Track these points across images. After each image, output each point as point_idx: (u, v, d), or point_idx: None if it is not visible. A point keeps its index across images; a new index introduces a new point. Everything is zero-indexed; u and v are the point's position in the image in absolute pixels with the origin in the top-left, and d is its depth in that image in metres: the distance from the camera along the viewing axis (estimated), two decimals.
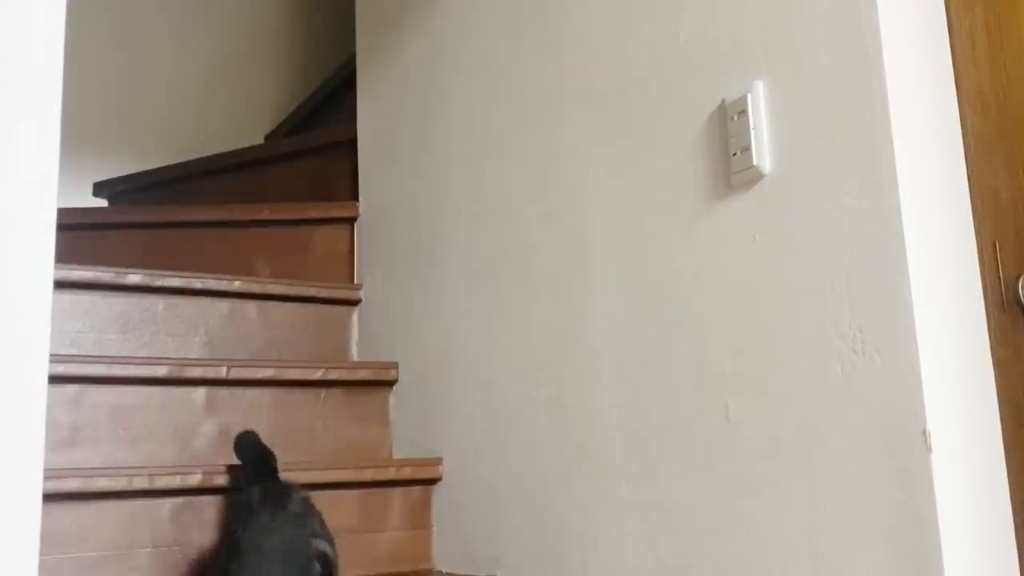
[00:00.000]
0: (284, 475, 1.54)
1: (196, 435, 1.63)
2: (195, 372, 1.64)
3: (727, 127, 1.19)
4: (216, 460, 1.62)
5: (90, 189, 2.56)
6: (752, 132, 1.15)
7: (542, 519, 1.45)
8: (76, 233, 2.01)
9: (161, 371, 1.61)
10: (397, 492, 1.67)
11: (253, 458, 1.38)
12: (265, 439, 1.49)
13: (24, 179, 0.72)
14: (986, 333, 1.04)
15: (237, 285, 1.86)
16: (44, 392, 0.71)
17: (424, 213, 1.82)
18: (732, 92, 1.19)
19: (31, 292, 0.71)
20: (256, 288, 1.88)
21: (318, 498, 1.41)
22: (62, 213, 0.75)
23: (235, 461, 1.48)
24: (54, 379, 1.43)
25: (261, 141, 2.91)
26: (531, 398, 1.49)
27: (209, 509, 1.50)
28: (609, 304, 1.37)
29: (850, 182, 1.05)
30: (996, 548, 0.99)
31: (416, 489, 1.69)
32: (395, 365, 1.83)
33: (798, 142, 1.12)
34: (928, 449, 0.95)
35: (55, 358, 1.35)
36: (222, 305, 1.86)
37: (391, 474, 1.67)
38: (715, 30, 1.23)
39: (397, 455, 1.80)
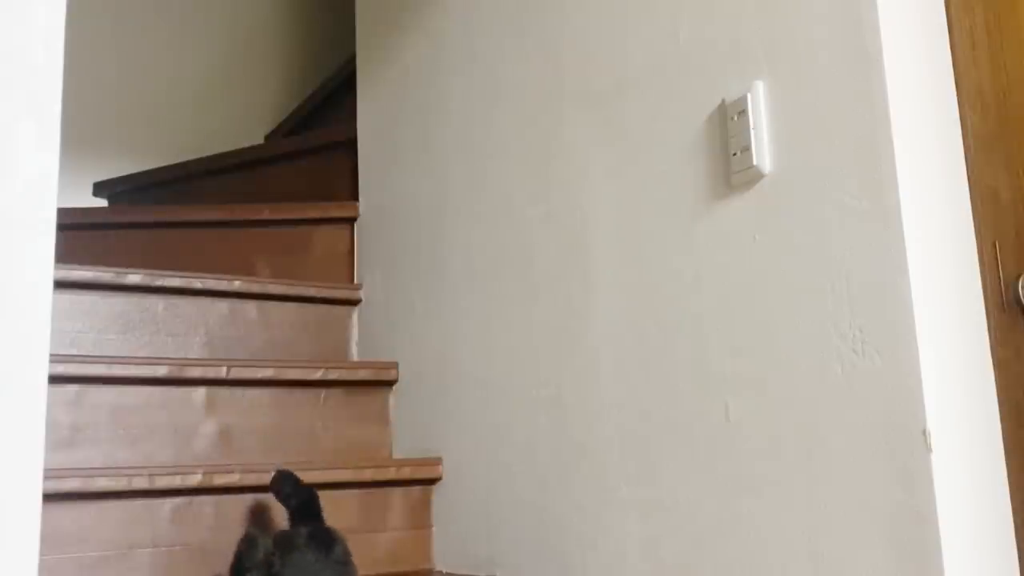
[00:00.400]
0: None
1: (196, 435, 1.63)
2: (195, 372, 1.64)
3: (727, 127, 1.19)
4: (216, 460, 1.62)
5: (90, 189, 2.56)
6: (752, 132, 1.15)
7: (542, 519, 1.45)
8: (76, 233, 2.01)
9: (161, 371, 1.61)
10: (397, 492, 1.67)
11: (298, 500, 1.39)
12: (265, 439, 1.49)
13: (24, 179, 0.72)
14: (986, 333, 1.04)
15: (237, 285, 1.86)
16: (44, 392, 0.71)
17: (424, 213, 1.82)
18: (732, 92, 1.19)
19: (31, 292, 0.71)
20: (256, 288, 1.88)
21: None
22: (62, 213, 0.75)
23: (235, 460, 1.48)
24: (54, 379, 1.43)
25: (261, 141, 2.91)
26: (530, 398, 1.49)
27: (209, 509, 1.50)
28: (608, 304, 1.37)
29: (850, 182, 1.05)
30: (996, 548, 0.99)
31: (416, 489, 1.69)
32: (395, 365, 1.83)
33: (798, 142, 1.12)
34: (928, 449, 0.95)
35: (55, 358, 1.35)
36: (222, 305, 1.86)
37: (391, 474, 1.67)
38: (714, 30, 1.23)
39: (397, 455, 1.80)
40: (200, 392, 1.65)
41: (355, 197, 2.08)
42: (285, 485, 1.41)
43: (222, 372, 1.66)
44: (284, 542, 1.31)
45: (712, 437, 1.19)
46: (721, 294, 1.20)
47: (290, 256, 2.06)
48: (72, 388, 1.55)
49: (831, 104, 1.08)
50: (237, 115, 2.96)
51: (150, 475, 1.46)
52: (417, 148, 1.87)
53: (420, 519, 1.68)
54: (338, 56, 2.80)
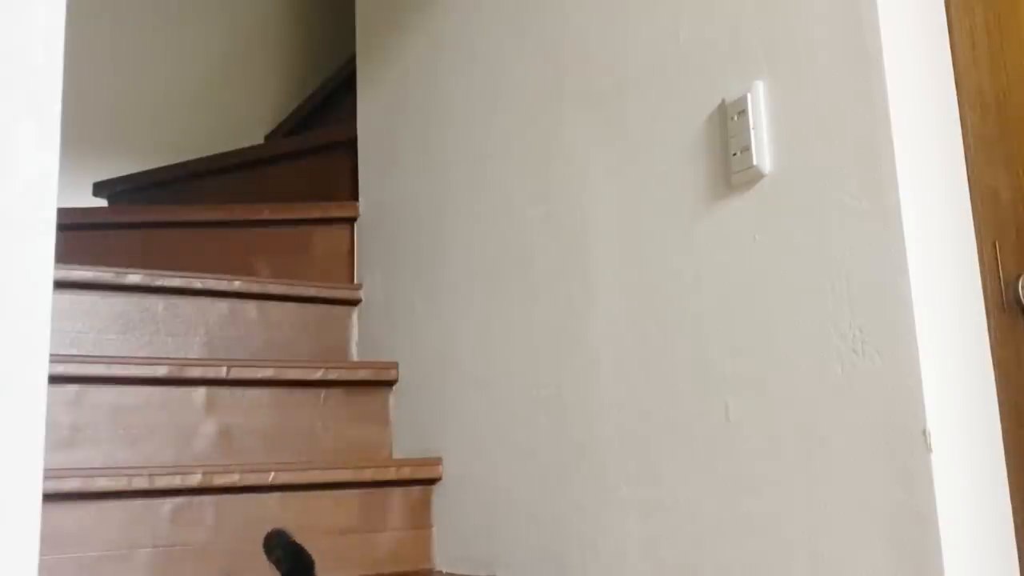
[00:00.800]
0: (279, 476, 1.54)
1: (196, 435, 1.63)
2: (195, 372, 1.64)
3: (727, 127, 1.19)
4: (216, 460, 1.62)
5: (90, 189, 2.55)
6: (752, 132, 1.15)
7: (541, 519, 1.45)
8: (76, 233, 2.01)
9: (161, 371, 1.61)
10: (397, 492, 1.67)
11: (288, 566, 1.35)
12: (265, 439, 1.49)
13: (24, 179, 0.72)
14: (986, 333, 1.04)
15: (237, 285, 1.86)
16: (44, 392, 0.70)
17: (424, 213, 1.82)
18: (732, 92, 1.19)
19: (31, 292, 0.71)
20: (256, 288, 1.88)
21: (318, 498, 1.41)
22: (62, 213, 0.75)
23: (235, 460, 1.48)
24: (54, 379, 1.43)
25: (261, 141, 2.91)
26: (530, 398, 1.49)
27: (209, 509, 1.50)
28: (608, 304, 1.37)
29: (850, 182, 1.05)
30: (996, 548, 0.99)
31: (416, 489, 1.69)
32: (395, 365, 1.83)
33: (798, 142, 1.12)
34: (928, 449, 0.95)
35: (55, 358, 1.34)
36: (222, 305, 1.86)
37: (391, 474, 1.67)
38: (714, 30, 1.23)
39: (397, 455, 1.80)
40: (200, 392, 1.65)
41: (355, 197, 2.08)
42: (277, 547, 1.37)
43: (222, 372, 1.66)
44: None
45: (712, 437, 1.19)
46: (721, 294, 1.20)
47: (290, 256, 2.06)
48: (72, 388, 1.55)
49: (831, 104, 1.08)
50: (237, 115, 2.96)
51: (150, 475, 1.46)
52: (417, 148, 1.87)
53: (420, 519, 1.68)
54: (338, 56, 2.80)
